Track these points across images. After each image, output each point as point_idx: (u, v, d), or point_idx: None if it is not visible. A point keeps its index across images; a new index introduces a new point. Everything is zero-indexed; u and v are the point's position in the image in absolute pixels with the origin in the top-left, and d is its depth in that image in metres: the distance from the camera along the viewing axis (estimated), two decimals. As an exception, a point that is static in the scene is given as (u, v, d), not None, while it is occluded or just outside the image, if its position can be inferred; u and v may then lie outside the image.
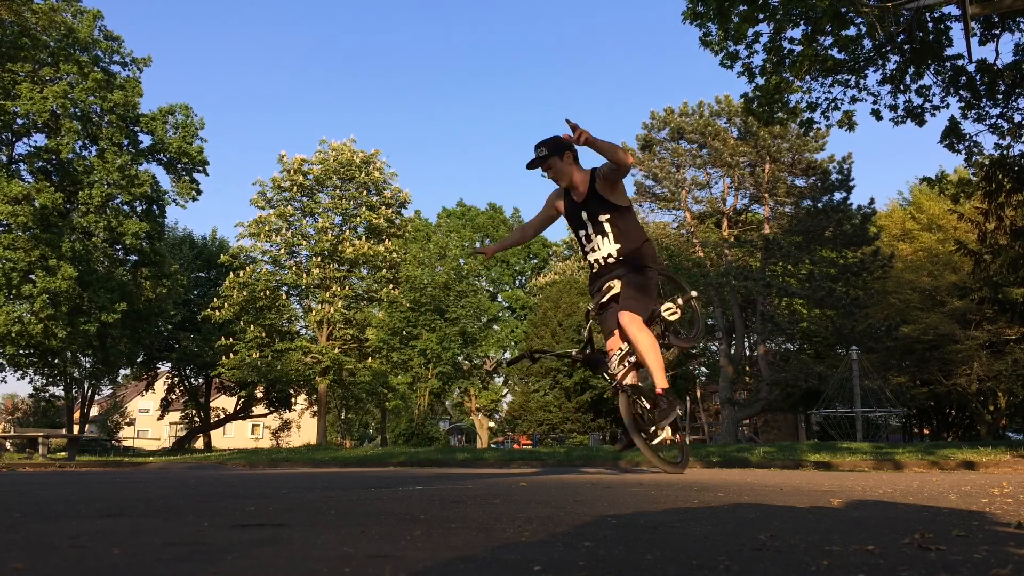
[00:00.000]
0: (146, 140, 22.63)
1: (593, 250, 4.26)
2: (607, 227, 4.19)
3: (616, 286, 4.17)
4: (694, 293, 4.67)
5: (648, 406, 4.16)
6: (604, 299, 4.22)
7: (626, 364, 4.21)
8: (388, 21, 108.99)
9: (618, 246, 4.20)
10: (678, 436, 4.36)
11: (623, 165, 4.01)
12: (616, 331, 4.21)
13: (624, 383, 4.17)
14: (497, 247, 4.61)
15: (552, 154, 4.19)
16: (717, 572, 1.21)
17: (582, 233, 4.29)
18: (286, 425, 41.01)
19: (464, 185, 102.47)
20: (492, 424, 41.34)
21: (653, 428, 4.12)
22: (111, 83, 20.74)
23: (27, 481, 4.40)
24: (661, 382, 4.05)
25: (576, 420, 31.45)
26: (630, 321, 4.00)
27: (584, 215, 4.23)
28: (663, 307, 4.38)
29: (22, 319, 18.70)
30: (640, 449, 4.13)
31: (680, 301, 4.53)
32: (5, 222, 18.71)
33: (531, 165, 4.24)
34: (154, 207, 22.53)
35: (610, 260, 4.23)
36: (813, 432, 26.61)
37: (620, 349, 4.21)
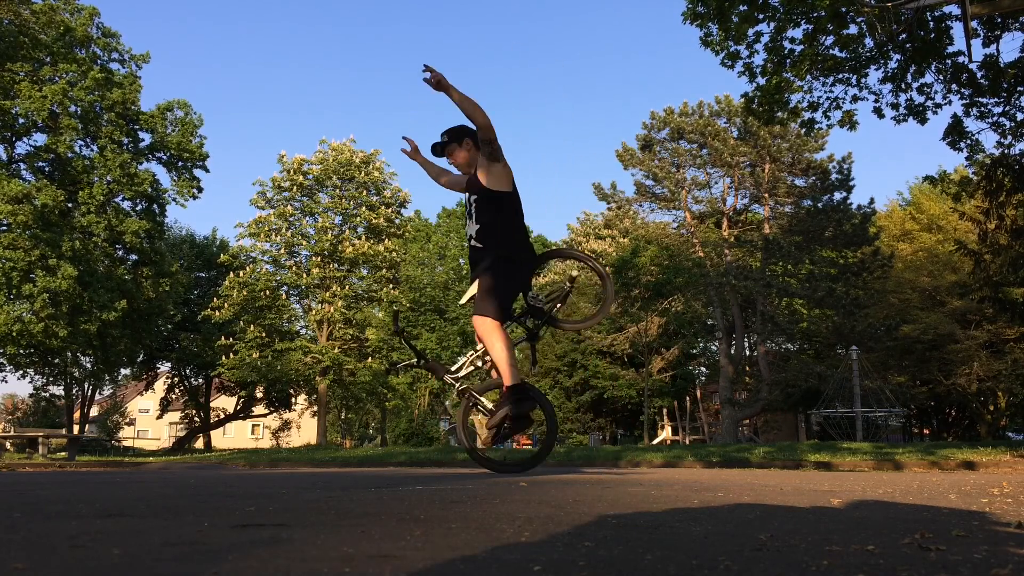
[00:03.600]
0: (146, 138, 22.70)
1: (467, 234, 4.23)
2: (473, 208, 4.14)
3: (474, 288, 4.06)
4: (601, 270, 4.56)
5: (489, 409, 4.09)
6: (465, 300, 4.17)
7: (486, 361, 4.19)
8: (388, 20, 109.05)
9: (477, 227, 4.11)
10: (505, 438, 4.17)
11: (475, 119, 3.87)
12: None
13: (464, 386, 4.22)
14: (420, 157, 4.53)
15: (452, 141, 4.22)
16: (717, 572, 1.21)
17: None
18: (286, 425, 41.00)
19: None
20: (492, 424, 41.28)
21: (489, 424, 3.96)
22: (110, 81, 20.75)
23: (27, 481, 4.40)
24: (507, 379, 3.85)
25: (576, 420, 31.47)
26: (476, 323, 3.92)
27: (468, 196, 4.22)
28: (537, 297, 4.32)
29: (23, 319, 18.70)
30: (467, 452, 4.18)
31: (568, 284, 4.57)
32: (5, 222, 18.71)
33: (434, 151, 4.28)
34: (154, 206, 22.56)
35: (473, 243, 4.15)
36: (813, 432, 26.60)
37: (475, 350, 4.21)
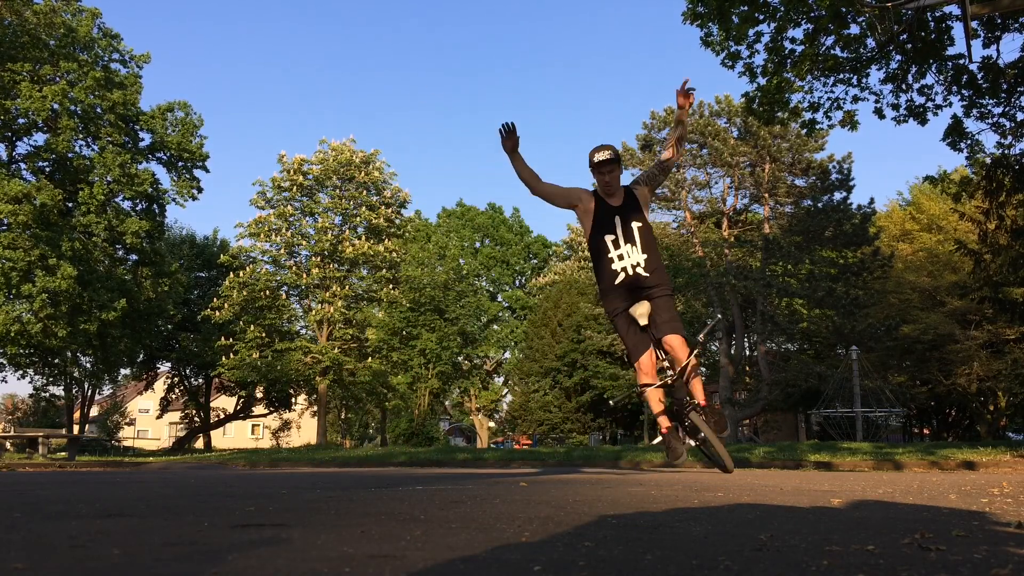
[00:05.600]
0: (146, 138, 22.71)
1: (620, 257, 4.31)
2: (637, 235, 4.29)
3: (647, 308, 4.26)
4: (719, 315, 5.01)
5: (704, 418, 4.42)
6: (644, 323, 4.30)
7: (668, 380, 4.43)
8: (388, 20, 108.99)
9: (645, 256, 4.28)
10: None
11: (683, 148, 4.28)
12: (649, 351, 4.35)
13: (694, 401, 4.40)
14: (517, 153, 4.47)
15: (618, 161, 4.38)
16: (717, 572, 1.21)
17: (609, 238, 4.32)
18: (286, 425, 41.02)
19: (464, 185, 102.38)
20: (492, 424, 41.33)
21: (702, 435, 4.39)
22: (111, 81, 20.76)
23: (27, 481, 4.40)
24: (703, 395, 4.36)
25: (576, 420, 31.48)
26: (682, 344, 4.23)
27: (617, 219, 4.32)
28: None
29: (22, 319, 18.69)
30: (712, 458, 4.56)
31: None
32: (5, 221, 18.71)
33: (602, 162, 4.29)
34: (154, 206, 22.56)
35: (639, 270, 4.27)
36: (813, 432, 26.61)
37: (669, 369, 4.34)
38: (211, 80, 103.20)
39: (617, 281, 4.31)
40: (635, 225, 4.30)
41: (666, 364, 4.33)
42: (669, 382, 4.33)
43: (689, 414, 4.34)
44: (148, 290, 22.13)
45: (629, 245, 4.28)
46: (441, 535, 1.58)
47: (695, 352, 4.37)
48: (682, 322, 4.38)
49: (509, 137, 4.44)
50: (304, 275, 24.42)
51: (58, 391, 27.36)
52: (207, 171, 23.65)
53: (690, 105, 4.40)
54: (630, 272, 4.28)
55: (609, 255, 4.32)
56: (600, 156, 4.29)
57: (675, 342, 4.20)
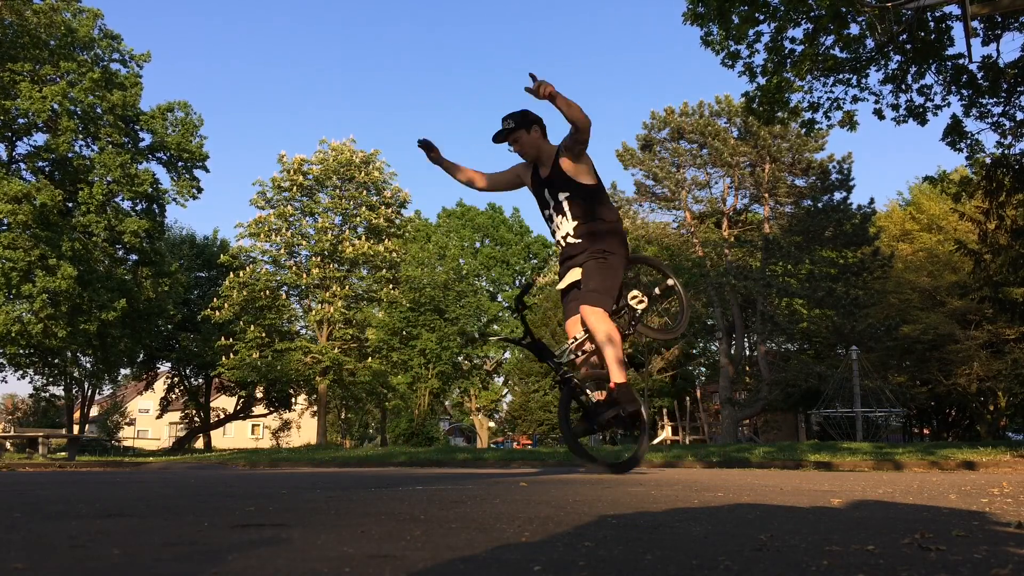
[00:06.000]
0: (146, 138, 22.73)
1: (554, 231, 4.12)
2: (565, 206, 4.01)
3: (577, 274, 4.01)
4: (670, 281, 4.48)
5: (595, 399, 4.02)
6: (564, 285, 4.08)
7: (580, 353, 4.07)
8: (388, 20, 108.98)
9: (575, 224, 4.00)
10: (635, 433, 4.17)
11: (580, 122, 3.77)
12: (573, 317, 4.08)
13: (569, 374, 4.07)
14: (444, 161, 4.32)
15: (519, 127, 4.04)
16: (717, 572, 1.21)
17: (546, 212, 4.13)
18: (286, 425, 41.01)
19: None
20: (492, 424, 41.33)
21: (600, 421, 3.93)
22: (111, 81, 20.77)
23: (27, 481, 4.40)
24: (616, 376, 3.84)
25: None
26: (590, 313, 3.84)
27: (547, 192, 4.07)
28: (629, 295, 4.27)
29: (22, 319, 18.70)
30: (565, 443, 4.04)
31: (657, 291, 4.43)
32: (5, 221, 18.72)
33: (497, 138, 4.07)
34: (154, 206, 22.58)
35: (569, 240, 4.03)
36: (813, 432, 26.62)
37: (575, 337, 4.05)
38: (211, 80, 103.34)
39: (560, 255, 4.17)
40: (562, 196, 4.01)
41: (576, 339, 4.01)
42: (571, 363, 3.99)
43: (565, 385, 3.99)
44: (148, 290, 22.14)
45: (560, 216, 4.05)
46: (441, 535, 1.58)
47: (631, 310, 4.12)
48: (611, 287, 3.91)
49: (429, 152, 4.32)
50: (304, 275, 24.41)
51: (58, 391, 27.39)
52: (207, 171, 23.68)
53: (542, 89, 3.66)
54: (563, 244, 4.09)
55: (550, 229, 4.17)
56: (501, 126, 4.04)
57: (581, 311, 3.85)
